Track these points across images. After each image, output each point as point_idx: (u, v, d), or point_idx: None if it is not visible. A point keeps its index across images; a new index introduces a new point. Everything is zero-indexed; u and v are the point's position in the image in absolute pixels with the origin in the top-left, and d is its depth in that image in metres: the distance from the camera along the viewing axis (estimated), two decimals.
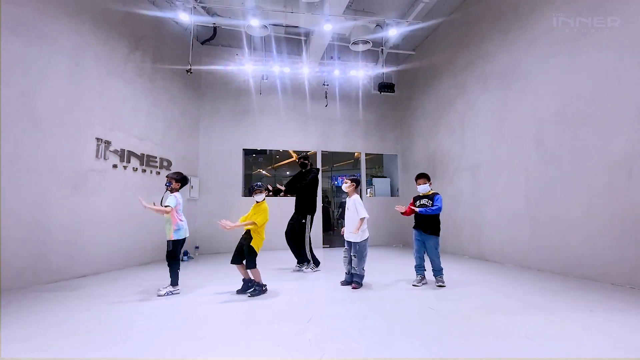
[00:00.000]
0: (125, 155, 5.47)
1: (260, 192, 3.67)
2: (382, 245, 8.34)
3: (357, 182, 4.05)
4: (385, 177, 9.49)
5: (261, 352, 2.06)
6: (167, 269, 3.63)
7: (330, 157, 12.67)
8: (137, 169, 5.70)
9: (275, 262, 5.76)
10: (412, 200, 4.15)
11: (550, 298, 3.24)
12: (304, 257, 5.06)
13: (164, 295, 3.46)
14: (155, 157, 6.16)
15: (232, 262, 3.57)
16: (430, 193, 4.02)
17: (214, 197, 7.52)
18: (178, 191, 3.76)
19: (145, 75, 6.01)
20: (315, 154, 8.47)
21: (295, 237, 5.09)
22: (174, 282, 3.58)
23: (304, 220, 5.04)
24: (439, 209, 3.85)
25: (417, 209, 3.90)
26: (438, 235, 3.91)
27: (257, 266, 3.51)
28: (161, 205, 3.61)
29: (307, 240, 5.00)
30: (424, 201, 3.99)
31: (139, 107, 5.85)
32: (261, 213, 3.59)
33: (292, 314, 2.85)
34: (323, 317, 2.74)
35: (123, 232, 5.35)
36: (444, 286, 3.73)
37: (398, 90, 8.48)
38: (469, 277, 4.34)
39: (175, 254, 3.61)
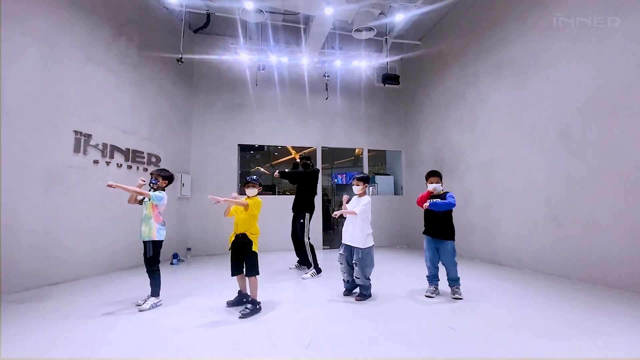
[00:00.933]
0: (108, 150, 5.00)
1: (253, 187, 3.20)
2: (385, 246, 7.89)
3: (367, 180, 3.55)
4: (389, 174, 9.04)
5: None
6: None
7: (330, 154, 12.22)
8: (121, 165, 5.24)
9: (271, 265, 5.32)
10: (426, 195, 3.68)
11: (589, 315, 2.79)
12: (304, 259, 4.71)
13: (148, 309, 3.01)
14: (142, 153, 5.68)
15: (233, 274, 3.11)
16: (442, 193, 3.57)
17: (208, 195, 7.03)
18: (164, 190, 3.32)
19: (130, 63, 5.53)
20: (314, 150, 8.01)
21: (296, 237, 4.81)
22: (156, 292, 3.14)
23: (302, 220, 4.66)
24: (452, 203, 3.37)
25: (427, 204, 3.41)
26: (454, 239, 3.46)
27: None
28: (148, 199, 3.17)
29: (306, 242, 4.59)
30: (435, 201, 3.54)
31: (123, 98, 5.37)
32: (254, 204, 3.14)
33: (288, 336, 2.39)
34: (324, 340, 2.29)
35: (106, 234, 4.88)
36: (461, 298, 3.28)
37: (403, 83, 8.01)
38: (485, 285, 3.90)
39: (157, 259, 3.17)
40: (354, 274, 3.34)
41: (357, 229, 3.34)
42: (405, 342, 2.26)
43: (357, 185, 3.46)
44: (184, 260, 6.14)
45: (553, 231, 4.43)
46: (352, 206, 3.46)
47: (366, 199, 3.40)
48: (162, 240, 3.21)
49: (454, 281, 3.41)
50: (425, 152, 7.60)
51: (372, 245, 3.35)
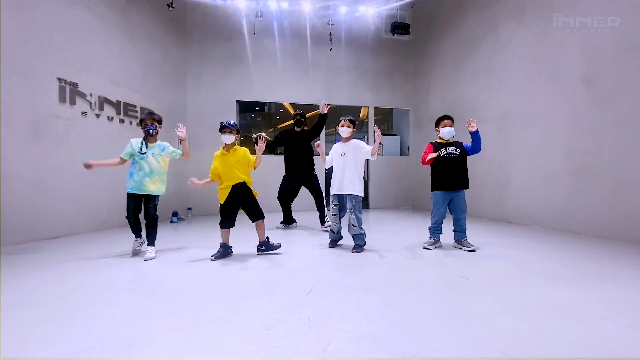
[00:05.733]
0: (98, 102, 4.70)
1: (230, 133, 2.91)
2: (390, 208, 7.74)
3: (355, 123, 3.31)
4: (395, 134, 8.69)
5: (237, 342, 1.46)
6: (148, 229, 3.09)
7: (333, 119, 11.74)
8: (112, 118, 4.96)
9: (273, 222, 5.20)
10: (430, 148, 3.34)
11: (616, 267, 2.60)
12: (324, 214, 4.66)
13: (154, 257, 2.97)
14: (135, 106, 5.38)
15: (224, 227, 2.98)
16: (452, 141, 3.31)
17: (206, 154, 6.75)
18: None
19: (116, 6, 5.05)
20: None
21: (317, 196, 4.65)
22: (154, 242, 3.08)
23: (315, 172, 4.71)
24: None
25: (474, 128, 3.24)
26: (469, 187, 3.31)
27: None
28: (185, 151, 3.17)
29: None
30: (451, 150, 3.27)
31: (111, 46, 4.97)
32: (248, 158, 3.00)
33: (288, 283, 2.25)
34: (326, 287, 2.14)
35: (101, 190, 4.72)
36: (474, 250, 3.12)
37: (413, 34, 7.41)
38: (495, 240, 3.72)
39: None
40: (351, 223, 3.16)
41: (355, 176, 3.16)
42: (410, 287, 2.10)
43: (349, 127, 3.21)
44: (184, 219, 6.05)
45: (571, 186, 4.18)
46: (346, 154, 3.23)
47: (357, 141, 3.26)
48: None
49: (463, 233, 3.24)
50: (435, 109, 7.18)
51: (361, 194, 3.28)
